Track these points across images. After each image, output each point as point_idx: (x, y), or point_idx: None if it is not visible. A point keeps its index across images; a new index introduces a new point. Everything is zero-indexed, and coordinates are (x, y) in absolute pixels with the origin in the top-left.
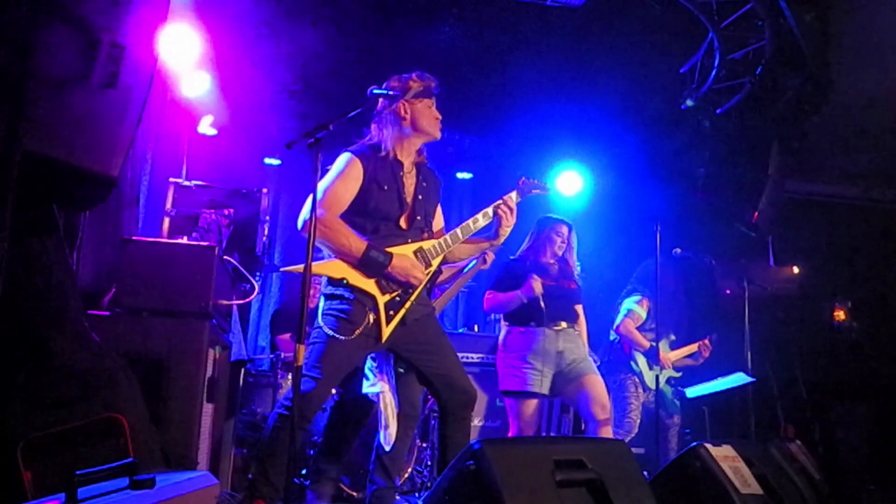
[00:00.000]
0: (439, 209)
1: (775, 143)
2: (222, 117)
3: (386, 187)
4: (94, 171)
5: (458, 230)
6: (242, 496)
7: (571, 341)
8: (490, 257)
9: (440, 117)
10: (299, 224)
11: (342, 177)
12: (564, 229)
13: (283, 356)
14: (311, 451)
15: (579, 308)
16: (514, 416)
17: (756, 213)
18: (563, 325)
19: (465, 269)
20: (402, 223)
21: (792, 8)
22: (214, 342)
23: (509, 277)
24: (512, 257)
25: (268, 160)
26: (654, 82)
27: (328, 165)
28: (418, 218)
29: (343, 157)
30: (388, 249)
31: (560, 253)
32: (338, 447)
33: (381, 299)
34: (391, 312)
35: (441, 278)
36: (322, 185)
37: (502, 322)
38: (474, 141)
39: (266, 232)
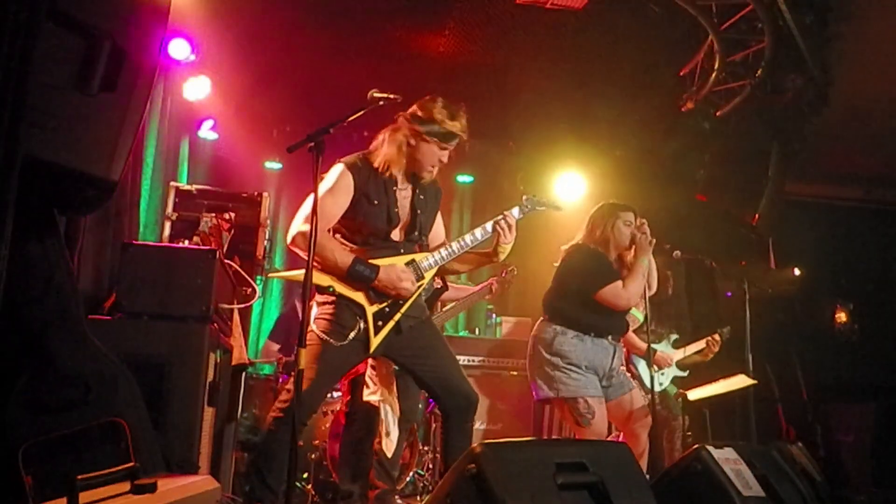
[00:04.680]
0: (439, 219)
1: (775, 145)
2: (223, 121)
3: (376, 202)
4: (94, 175)
5: (453, 244)
6: (243, 500)
7: None
8: (497, 288)
9: (444, 164)
10: (288, 238)
11: (331, 190)
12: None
13: (284, 360)
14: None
15: None
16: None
17: (756, 215)
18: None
19: (448, 308)
20: (395, 236)
21: (791, 10)
22: (215, 346)
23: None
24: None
25: (268, 164)
26: (654, 85)
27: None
28: (415, 232)
29: (335, 170)
30: (379, 261)
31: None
32: (356, 465)
33: (370, 310)
34: (380, 323)
35: (445, 297)
36: (312, 197)
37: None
38: (474, 143)
39: (267, 236)
